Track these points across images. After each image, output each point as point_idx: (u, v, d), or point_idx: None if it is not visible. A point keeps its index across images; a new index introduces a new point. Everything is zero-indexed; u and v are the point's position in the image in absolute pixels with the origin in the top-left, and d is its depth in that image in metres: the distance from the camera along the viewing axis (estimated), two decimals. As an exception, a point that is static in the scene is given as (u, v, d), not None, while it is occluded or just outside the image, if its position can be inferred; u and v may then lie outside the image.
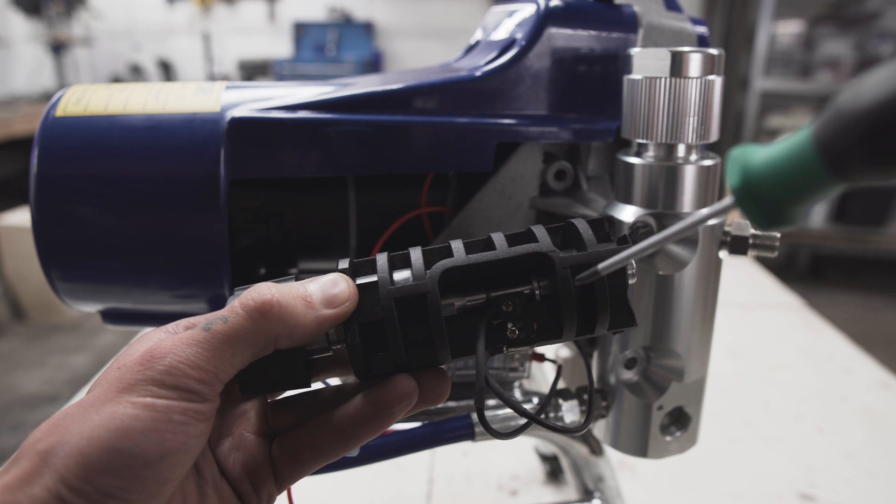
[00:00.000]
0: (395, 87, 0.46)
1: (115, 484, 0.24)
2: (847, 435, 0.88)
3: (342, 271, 0.31)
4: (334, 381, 0.36)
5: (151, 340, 0.28)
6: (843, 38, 3.08)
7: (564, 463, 0.64)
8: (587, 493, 0.61)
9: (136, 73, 4.52)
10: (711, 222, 0.43)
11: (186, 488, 0.28)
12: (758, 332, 1.19)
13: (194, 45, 4.41)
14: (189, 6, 4.44)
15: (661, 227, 0.43)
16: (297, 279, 0.31)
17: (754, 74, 3.12)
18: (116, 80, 4.43)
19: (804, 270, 3.20)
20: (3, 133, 3.11)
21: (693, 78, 0.41)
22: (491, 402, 0.52)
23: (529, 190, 0.52)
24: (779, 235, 0.44)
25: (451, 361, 0.31)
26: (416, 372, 0.31)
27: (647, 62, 0.42)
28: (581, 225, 0.32)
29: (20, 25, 4.36)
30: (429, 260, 0.31)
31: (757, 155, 0.23)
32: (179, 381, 0.26)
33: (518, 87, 0.48)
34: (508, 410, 0.51)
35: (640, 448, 0.48)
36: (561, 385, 0.53)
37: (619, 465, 0.79)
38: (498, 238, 0.32)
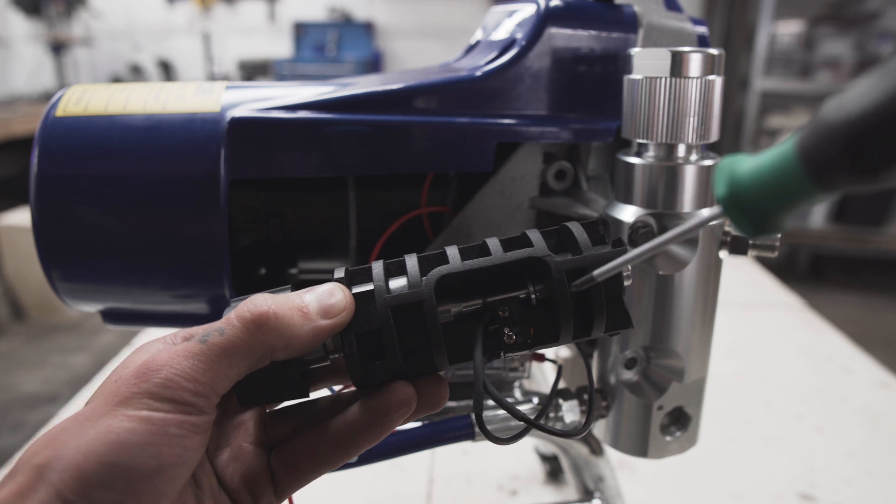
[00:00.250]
0: (395, 87, 0.46)
1: (112, 498, 0.24)
2: (847, 435, 0.88)
3: (338, 280, 0.31)
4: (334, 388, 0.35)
5: (148, 352, 0.28)
6: (843, 38, 3.08)
7: (564, 463, 0.64)
8: (587, 493, 0.61)
9: (136, 73, 4.52)
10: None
11: (185, 500, 0.27)
12: (758, 332, 1.20)
13: (194, 45, 4.41)
14: (189, 6, 4.43)
15: (662, 227, 0.44)
16: (295, 283, 0.31)
17: (754, 74, 3.12)
18: (116, 80, 4.43)
19: (804, 270, 3.19)
20: (3, 133, 3.11)
21: (693, 78, 0.41)
22: (490, 401, 0.52)
23: (529, 190, 0.52)
24: (779, 235, 0.44)
25: (449, 368, 0.31)
26: (413, 379, 0.31)
27: (647, 62, 0.42)
28: (576, 228, 0.32)
29: (20, 25, 4.36)
30: (424, 267, 0.31)
31: (744, 165, 0.23)
32: (175, 393, 0.26)
33: (518, 87, 0.48)
34: (508, 410, 0.51)
35: (641, 448, 0.48)
36: (561, 385, 0.53)
37: (619, 465, 0.79)
38: (493, 243, 0.32)
